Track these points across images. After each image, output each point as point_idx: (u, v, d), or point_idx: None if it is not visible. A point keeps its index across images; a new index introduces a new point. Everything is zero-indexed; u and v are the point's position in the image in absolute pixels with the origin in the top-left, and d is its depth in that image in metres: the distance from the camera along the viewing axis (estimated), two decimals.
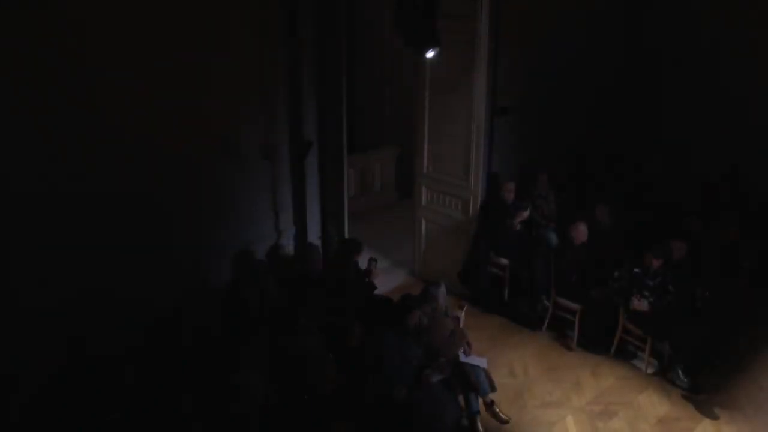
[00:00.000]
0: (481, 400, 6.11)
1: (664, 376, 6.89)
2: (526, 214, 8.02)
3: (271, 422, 5.13)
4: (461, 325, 6.55)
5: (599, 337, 7.33)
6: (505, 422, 6.14)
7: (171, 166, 6.11)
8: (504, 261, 8.17)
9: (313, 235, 7.53)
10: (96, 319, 5.61)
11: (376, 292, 7.10)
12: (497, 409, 6.17)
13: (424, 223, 8.63)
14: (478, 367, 6.08)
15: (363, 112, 11.21)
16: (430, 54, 6.52)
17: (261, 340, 5.78)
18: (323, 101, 7.23)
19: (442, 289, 6.43)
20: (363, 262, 7.11)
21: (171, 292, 6.01)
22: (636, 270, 7.00)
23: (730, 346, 7.12)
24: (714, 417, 6.30)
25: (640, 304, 6.94)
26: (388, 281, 7.36)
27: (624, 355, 7.24)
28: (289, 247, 7.39)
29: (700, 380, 6.67)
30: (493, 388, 6.14)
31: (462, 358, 6.06)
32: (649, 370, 6.98)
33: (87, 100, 5.45)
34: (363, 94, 11.21)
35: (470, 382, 5.97)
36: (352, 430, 5.39)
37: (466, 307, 6.90)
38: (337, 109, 7.34)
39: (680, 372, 6.74)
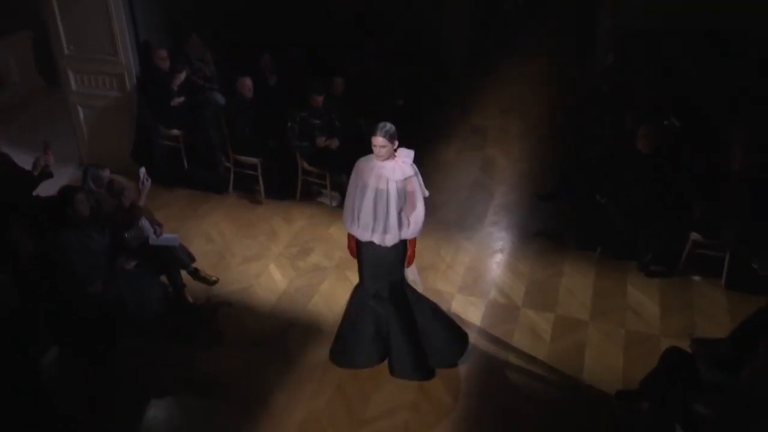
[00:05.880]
0: (184, 272, 6.10)
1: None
2: (182, 75, 7.69)
3: None
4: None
5: (283, 184, 7.65)
6: (214, 283, 6.24)
7: None
8: (176, 132, 7.93)
9: None
10: None
11: (43, 195, 6.41)
12: (203, 275, 6.23)
13: (80, 109, 7.95)
14: (172, 246, 5.98)
15: None
16: None
17: None
18: None
19: (104, 172, 6.03)
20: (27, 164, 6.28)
21: None
22: (302, 114, 7.26)
23: None
24: None
25: (332, 142, 7.31)
26: (55, 180, 6.65)
27: (309, 195, 7.68)
28: None
29: None
30: (192, 259, 6.14)
31: (152, 240, 5.85)
32: (334, 204, 7.51)
33: None
34: None
35: (167, 262, 5.89)
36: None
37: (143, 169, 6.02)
38: None
39: None
